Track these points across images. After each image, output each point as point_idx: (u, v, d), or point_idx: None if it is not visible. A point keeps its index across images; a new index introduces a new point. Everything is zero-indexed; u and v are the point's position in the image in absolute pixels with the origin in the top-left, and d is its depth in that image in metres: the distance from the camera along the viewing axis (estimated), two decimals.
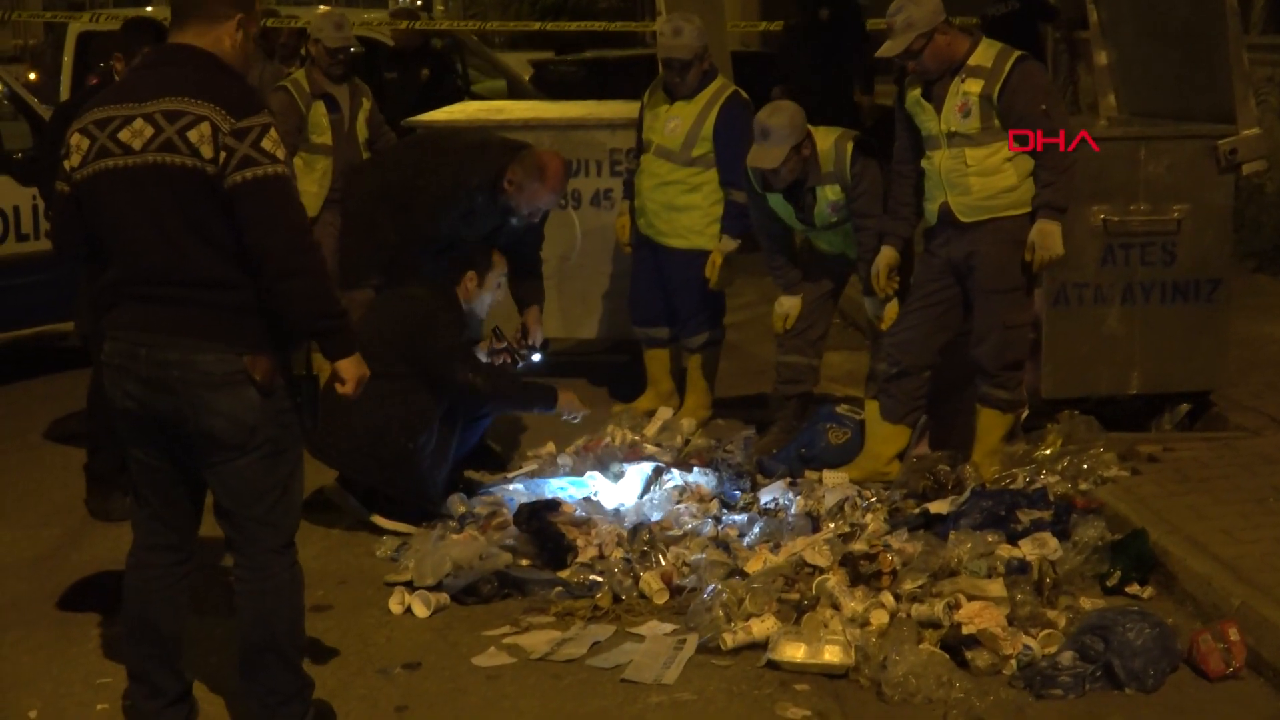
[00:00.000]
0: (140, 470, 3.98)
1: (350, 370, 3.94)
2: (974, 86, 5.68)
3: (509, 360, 6.32)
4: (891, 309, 6.12)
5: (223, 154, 3.68)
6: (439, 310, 5.83)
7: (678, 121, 6.76)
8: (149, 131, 3.73)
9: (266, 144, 3.71)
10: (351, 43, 7.64)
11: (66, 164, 3.84)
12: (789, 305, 6.54)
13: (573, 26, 16.58)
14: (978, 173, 5.72)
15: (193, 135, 3.69)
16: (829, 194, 6.23)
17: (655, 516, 5.59)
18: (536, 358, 6.57)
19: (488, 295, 6.04)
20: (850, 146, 6.18)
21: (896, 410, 6.08)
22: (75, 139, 3.83)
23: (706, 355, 7.06)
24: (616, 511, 5.69)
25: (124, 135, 3.75)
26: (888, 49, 5.74)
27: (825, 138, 6.24)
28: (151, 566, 4.04)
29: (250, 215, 3.70)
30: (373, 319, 5.87)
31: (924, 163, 5.90)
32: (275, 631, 3.97)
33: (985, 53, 5.74)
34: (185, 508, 4.04)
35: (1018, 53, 5.75)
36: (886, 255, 6.11)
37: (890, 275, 6.11)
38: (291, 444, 3.95)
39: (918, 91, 5.85)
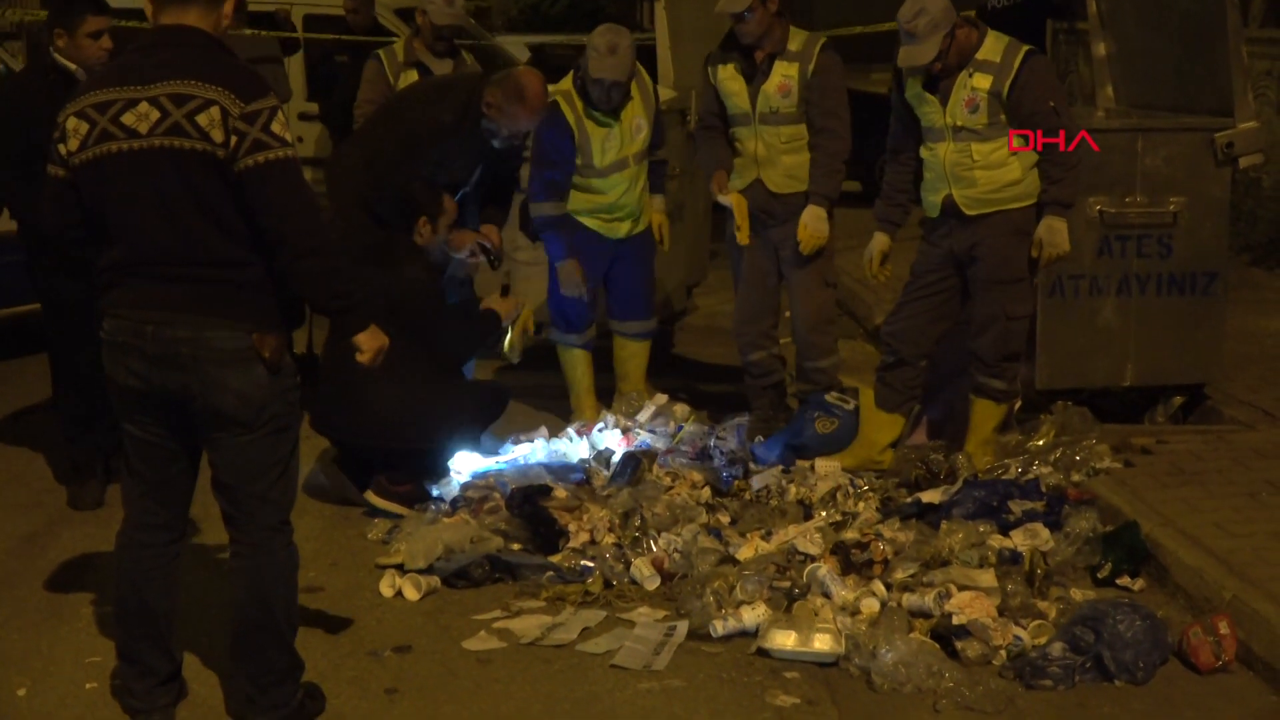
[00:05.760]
0: (136, 447, 3.97)
1: (369, 341, 3.96)
2: (983, 82, 5.64)
3: (485, 259, 6.28)
4: None
5: (233, 138, 3.66)
6: (417, 278, 5.84)
7: (640, 120, 6.48)
8: (155, 115, 3.69)
9: (275, 127, 3.70)
10: (462, 21, 7.37)
11: (62, 148, 3.78)
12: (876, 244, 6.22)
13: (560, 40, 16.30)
14: (984, 166, 5.70)
15: (202, 119, 3.67)
16: (785, 69, 6.18)
17: (647, 502, 5.59)
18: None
19: (439, 238, 6.01)
20: (823, 40, 6.23)
21: (892, 399, 6.09)
22: (72, 123, 3.77)
23: (651, 340, 6.94)
24: (608, 497, 5.69)
25: (128, 119, 3.71)
26: (918, 56, 5.57)
27: (801, 32, 6.27)
28: (143, 546, 4.03)
29: (263, 199, 3.69)
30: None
31: (925, 154, 5.87)
32: (271, 609, 3.96)
33: (993, 46, 5.70)
34: (180, 484, 4.03)
35: (1026, 47, 5.71)
36: (879, 241, 6.11)
37: (883, 261, 6.11)
38: (294, 422, 3.97)
39: (919, 83, 5.81)
